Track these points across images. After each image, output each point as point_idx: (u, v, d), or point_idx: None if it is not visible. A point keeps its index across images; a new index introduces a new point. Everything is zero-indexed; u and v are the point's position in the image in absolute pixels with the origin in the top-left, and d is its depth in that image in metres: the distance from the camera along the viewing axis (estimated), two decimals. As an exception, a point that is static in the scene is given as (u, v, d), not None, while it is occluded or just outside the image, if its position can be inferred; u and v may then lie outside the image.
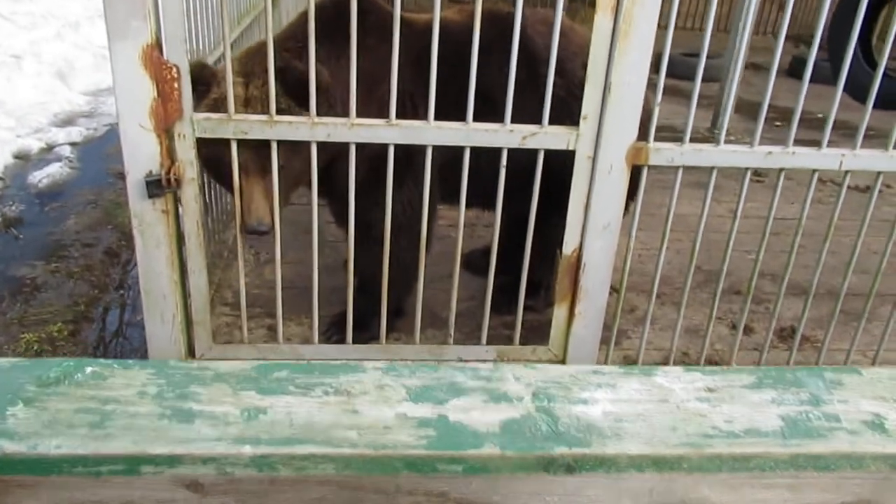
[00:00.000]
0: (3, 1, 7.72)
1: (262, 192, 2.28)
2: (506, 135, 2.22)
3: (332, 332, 2.85)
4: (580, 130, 2.22)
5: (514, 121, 2.24)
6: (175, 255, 2.29)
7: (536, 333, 2.84)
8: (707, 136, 6.12)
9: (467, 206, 2.42)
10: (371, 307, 2.76)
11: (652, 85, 2.21)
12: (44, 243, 3.69)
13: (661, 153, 2.28)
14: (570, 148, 2.25)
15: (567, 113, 2.56)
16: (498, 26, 2.48)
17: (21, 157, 4.86)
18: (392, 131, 2.19)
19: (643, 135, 2.25)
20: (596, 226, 2.35)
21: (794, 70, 8.24)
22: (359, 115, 2.18)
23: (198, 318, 2.42)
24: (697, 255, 2.51)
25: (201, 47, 2.85)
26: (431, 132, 2.20)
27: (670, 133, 2.58)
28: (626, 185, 2.30)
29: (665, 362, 2.78)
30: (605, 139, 2.21)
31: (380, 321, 2.64)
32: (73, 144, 5.20)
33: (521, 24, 2.66)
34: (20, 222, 3.90)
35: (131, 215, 2.22)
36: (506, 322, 3.00)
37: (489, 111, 2.46)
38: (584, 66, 2.68)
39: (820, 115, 6.52)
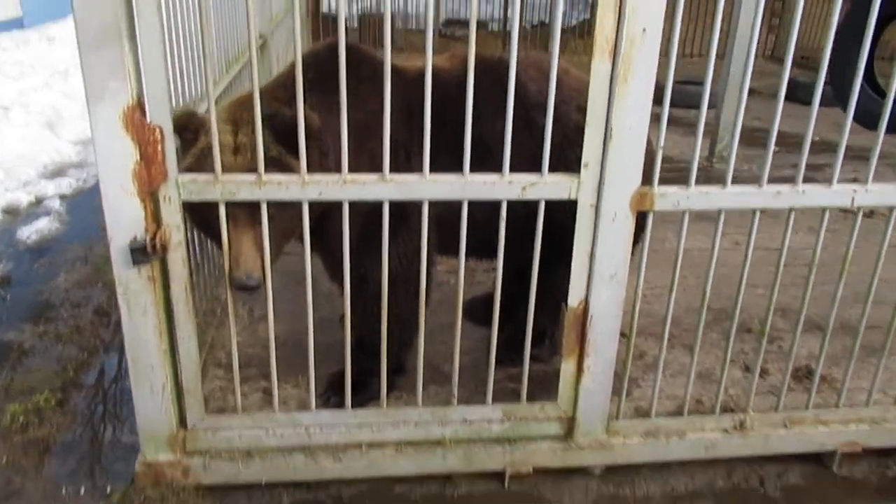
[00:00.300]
0: (-8, 52, 7.70)
1: (252, 244, 2.17)
2: (504, 186, 2.13)
3: (330, 394, 2.74)
4: (581, 178, 2.14)
5: (513, 166, 2.15)
6: (163, 322, 2.19)
7: (543, 386, 2.73)
8: (706, 164, 6.08)
9: (466, 256, 2.32)
10: (370, 365, 2.65)
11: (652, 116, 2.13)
12: (32, 303, 3.57)
13: (667, 198, 2.19)
14: (572, 197, 2.16)
15: (563, 159, 2.49)
16: (488, 72, 2.41)
17: (9, 211, 4.77)
18: (386, 187, 2.10)
19: (646, 178, 2.16)
20: (602, 276, 2.25)
21: (790, 94, 8.21)
22: (351, 166, 2.09)
23: (189, 387, 2.31)
24: (700, 293, 2.40)
25: (189, 99, 2.77)
26: (427, 186, 2.11)
27: (667, 164, 2.49)
28: (632, 232, 2.21)
29: (679, 412, 2.67)
30: (607, 186, 2.13)
31: (380, 380, 2.54)
32: (62, 197, 5.11)
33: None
34: (8, 282, 3.79)
35: (116, 283, 2.13)
36: (511, 375, 2.89)
37: (482, 159, 2.39)
38: (580, 110, 2.62)
39: (817, 139, 6.52)
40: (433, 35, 2.01)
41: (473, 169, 2.11)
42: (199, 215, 2.26)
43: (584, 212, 2.18)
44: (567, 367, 2.41)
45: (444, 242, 2.67)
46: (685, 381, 2.61)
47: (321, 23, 8.77)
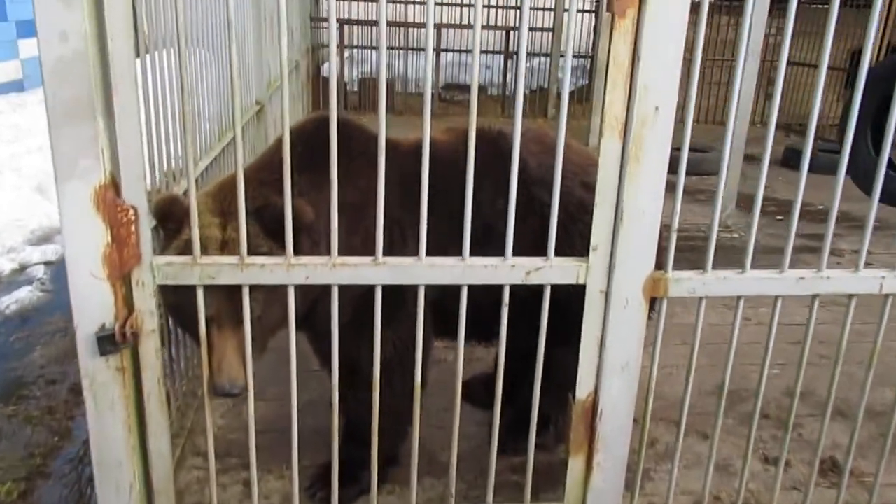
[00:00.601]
0: (-12, 115, 7.65)
1: (235, 347, 2.02)
2: (507, 271, 1.97)
3: (317, 489, 2.52)
4: (590, 262, 1.98)
5: (519, 251, 2.00)
6: (132, 416, 1.99)
7: (548, 478, 2.53)
8: (705, 233, 5.94)
9: (465, 339, 2.15)
10: (360, 456, 2.45)
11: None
12: (3, 381, 3.37)
13: (682, 284, 2.03)
14: (580, 282, 2.00)
15: (567, 236, 2.35)
16: (487, 145, 2.28)
17: (-10, 280, 4.60)
18: (379, 271, 1.94)
19: (659, 263, 2.01)
20: (613, 366, 2.07)
21: (787, 160, 8.19)
22: (343, 247, 1.93)
23: (160, 486, 2.10)
24: (711, 373, 2.22)
25: (167, 172, 2.64)
26: (423, 271, 1.95)
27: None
28: (645, 319, 2.05)
29: (697, 511, 2.45)
30: (618, 271, 1.97)
31: (370, 475, 2.34)
32: (47, 264, 4.94)
33: (509, 144, 2.50)
34: (-21, 357, 3.60)
35: (81, 375, 1.95)
36: (513, 465, 2.69)
37: (482, 238, 2.25)
38: (584, 186, 2.50)
39: (821, 207, 6.41)
40: (432, 100, 1.88)
41: (473, 250, 1.96)
42: (178, 311, 2.11)
43: (594, 298, 2.02)
44: (575, 464, 2.20)
45: (441, 325, 2.50)
46: (700, 474, 2.40)
47: (321, 86, 8.78)
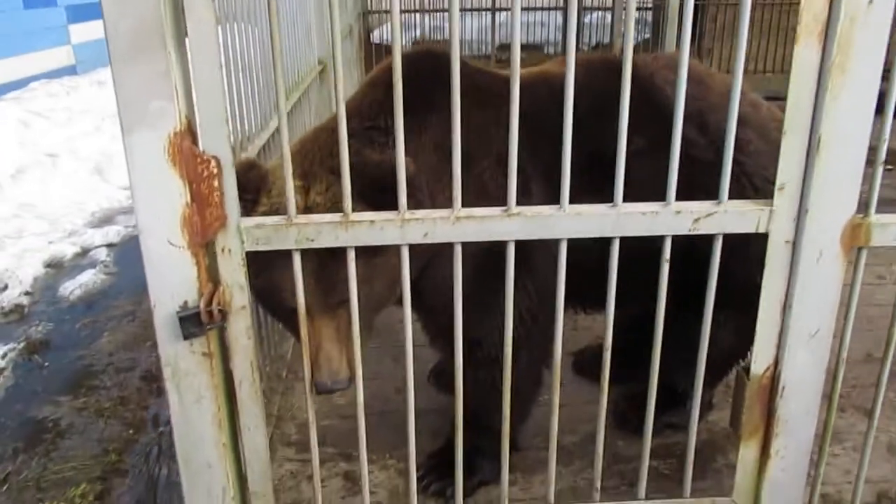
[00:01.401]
0: (42, 98, 7.51)
1: (333, 334, 1.71)
2: (670, 218, 1.59)
3: (431, 481, 2.20)
4: (774, 206, 1.58)
5: (641, 197, 1.63)
6: (223, 409, 1.69)
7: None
8: None
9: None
10: (478, 443, 2.12)
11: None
12: (71, 371, 3.14)
13: (888, 229, 1.62)
14: (761, 230, 1.60)
15: (712, 180, 1.95)
16: (616, 77, 1.89)
17: (53, 265, 4.39)
18: (512, 223, 1.58)
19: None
20: (800, 334, 1.68)
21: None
22: (450, 203, 1.57)
23: (256, 487, 1.80)
24: (855, 338, 1.77)
25: (243, 133, 2.31)
26: (566, 222, 1.58)
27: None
28: (842, 275, 1.64)
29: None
30: (811, 216, 1.57)
31: (490, 462, 2.04)
32: (109, 246, 4.72)
33: (646, 71, 2.11)
34: (46, 345, 3.38)
35: (162, 362, 1.64)
36: (652, 449, 2.31)
37: (607, 185, 1.88)
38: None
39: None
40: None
41: (591, 199, 1.59)
42: (267, 295, 1.81)
43: (778, 250, 1.62)
44: (747, 452, 1.82)
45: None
46: (872, 458, 1.97)
47: (373, 52, 8.41)
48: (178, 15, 1.41)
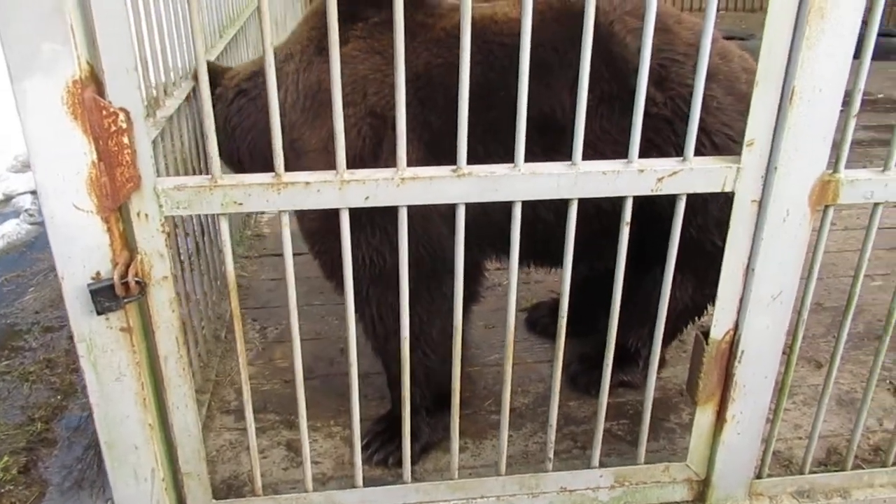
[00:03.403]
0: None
1: None
2: (632, 177, 1.47)
3: (376, 448, 2.10)
4: (742, 163, 1.48)
5: (593, 155, 1.52)
6: (148, 388, 1.54)
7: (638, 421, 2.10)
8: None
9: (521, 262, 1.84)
10: (416, 406, 2.01)
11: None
12: (-8, 331, 2.93)
13: (857, 186, 1.54)
14: (727, 189, 1.50)
15: (671, 141, 1.84)
16: (571, 24, 1.74)
17: (-29, 215, 4.09)
18: (462, 184, 1.44)
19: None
20: (761, 297, 1.60)
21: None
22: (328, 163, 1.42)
23: (188, 468, 1.67)
24: (810, 288, 1.70)
25: (155, 85, 2.08)
26: (521, 182, 1.45)
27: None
28: (808, 235, 1.56)
29: (832, 460, 2.05)
30: (780, 174, 1.47)
31: (430, 422, 2.06)
32: (34, 193, 4.41)
33: (605, 18, 1.95)
34: (-35, 304, 3.14)
35: (75, 339, 1.48)
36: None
37: (554, 144, 1.76)
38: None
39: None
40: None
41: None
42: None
43: (743, 210, 1.53)
44: (702, 417, 1.77)
45: (488, 244, 2.03)
46: (824, 412, 1.93)
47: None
48: (71, -61, 1.20)
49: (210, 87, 1.46)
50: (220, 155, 1.97)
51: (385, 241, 1.85)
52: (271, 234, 3.52)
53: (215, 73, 2.18)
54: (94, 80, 1.30)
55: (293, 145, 1.88)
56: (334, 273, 1.96)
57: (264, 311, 2.87)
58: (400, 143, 1.39)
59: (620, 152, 1.49)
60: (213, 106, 1.79)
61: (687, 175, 1.48)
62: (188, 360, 1.56)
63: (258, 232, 3.55)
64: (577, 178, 1.46)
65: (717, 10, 1.40)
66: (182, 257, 2.18)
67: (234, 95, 2.13)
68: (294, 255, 1.51)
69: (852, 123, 1.49)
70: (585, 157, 1.46)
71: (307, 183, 1.40)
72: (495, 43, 1.89)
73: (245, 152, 2.14)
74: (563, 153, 1.49)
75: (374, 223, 1.82)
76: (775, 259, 1.56)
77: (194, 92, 2.34)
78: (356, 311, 1.66)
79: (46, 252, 3.60)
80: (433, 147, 1.83)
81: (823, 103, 1.42)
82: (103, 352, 1.47)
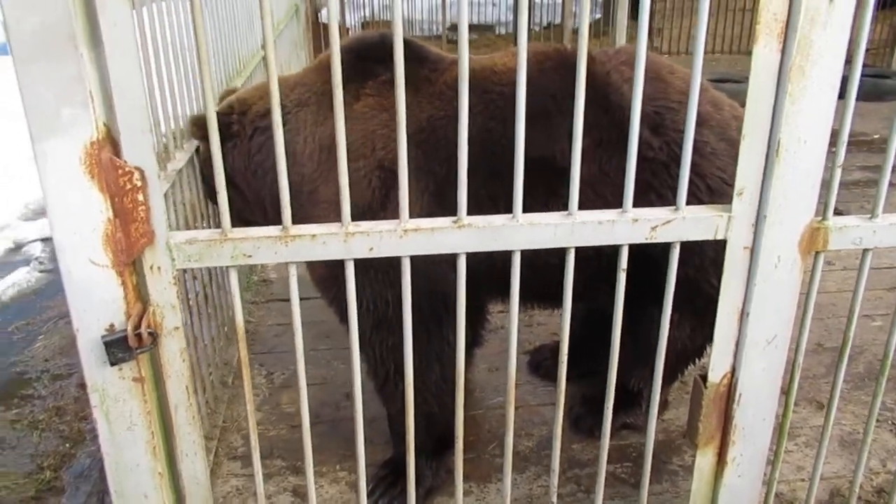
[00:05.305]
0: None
1: None
2: (627, 226, 1.52)
3: (380, 494, 2.12)
4: (733, 211, 1.53)
5: (591, 205, 1.60)
6: (158, 437, 1.58)
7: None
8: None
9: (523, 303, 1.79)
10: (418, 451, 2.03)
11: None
12: (2, 379, 2.97)
13: (845, 233, 1.59)
14: (719, 237, 1.55)
15: (667, 184, 1.91)
16: (570, 73, 1.81)
17: (-18, 262, 4.16)
18: (463, 235, 1.49)
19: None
20: (757, 341, 1.64)
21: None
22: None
23: (197, 515, 1.70)
24: (811, 329, 1.72)
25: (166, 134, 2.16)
26: (520, 232, 1.50)
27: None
28: (800, 281, 1.61)
29: (837, 503, 2.06)
30: (770, 221, 1.53)
31: (433, 465, 2.11)
32: (45, 240, 4.49)
33: (602, 68, 2.04)
34: (-26, 352, 3.18)
35: (89, 389, 1.52)
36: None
37: (555, 186, 1.83)
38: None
39: None
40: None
41: (536, 208, 1.53)
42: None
43: (736, 256, 1.57)
44: (703, 460, 1.79)
45: (495, 289, 2.08)
46: (825, 453, 1.94)
47: (321, 32, 8.18)
48: (90, 13, 1.28)
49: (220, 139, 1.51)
50: (246, 194, 2.04)
51: (387, 287, 1.90)
52: (278, 279, 3.57)
53: (225, 123, 2.20)
54: (111, 140, 1.36)
55: (310, 197, 1.94)
56: (346, 317, 2.01)
57: (271, 357, 2.90)
58: (402, 196, 1.45)
59: (619, 194, 1.54)
60: (233, 141, 1.87)
61: (680, 224, 1.53)
62: (197, 408, 1.60)
63: (264, 277, 3.60)
64: (573, 228, 1.51)
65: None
66: (191, 303, 2.23)
67: (253, 132, 2.11)
68: (301, 299, 1.56)
69: (838, 173, 1.54)
70: (585, 197, 1.52)
71: (313, 235, 1.46)
72: (495, 92, 1.98)
73: (267, 195, 2.13)
74: (565, 194, 1.54)
75: (377, 269, 1.88)
76: (769, 304, 1.60)
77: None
78: (360, 352, 1.71)
79: (56, 300, 3.67)
80: (438, 196, 1.90)
81: (809, 154, 1.47)
82: (116, 402, 1.51)
